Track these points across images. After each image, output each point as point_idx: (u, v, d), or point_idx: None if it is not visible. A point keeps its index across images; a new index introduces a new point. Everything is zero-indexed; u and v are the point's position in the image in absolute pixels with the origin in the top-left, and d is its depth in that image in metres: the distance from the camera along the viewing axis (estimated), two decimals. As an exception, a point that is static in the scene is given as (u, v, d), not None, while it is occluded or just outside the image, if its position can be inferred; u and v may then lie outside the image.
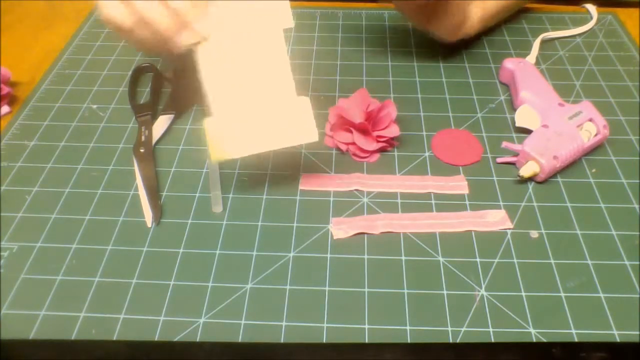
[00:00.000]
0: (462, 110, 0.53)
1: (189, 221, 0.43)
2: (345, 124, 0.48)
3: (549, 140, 0.45)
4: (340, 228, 0.42)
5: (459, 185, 0.45)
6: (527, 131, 0.48)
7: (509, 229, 0.42)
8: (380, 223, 0.42)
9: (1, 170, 0.47)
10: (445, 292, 0.38)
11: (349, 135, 0.48)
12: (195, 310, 0.37)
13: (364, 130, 0.48)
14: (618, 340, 0.35)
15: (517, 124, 0.50)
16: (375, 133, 0.47)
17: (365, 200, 0.44)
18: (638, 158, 0.48)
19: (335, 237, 0.41)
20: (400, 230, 0.42)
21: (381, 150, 0.48)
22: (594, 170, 0.47)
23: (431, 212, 0.43)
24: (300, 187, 0.45)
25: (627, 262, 0.40)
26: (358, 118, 0.46)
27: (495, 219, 0.43)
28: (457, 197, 0.44)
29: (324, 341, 0.35)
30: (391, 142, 0.48)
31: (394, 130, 0.48)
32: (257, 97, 0.41)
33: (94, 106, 0.54)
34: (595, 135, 0.47)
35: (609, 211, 0.43)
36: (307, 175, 0.46)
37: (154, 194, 0.44)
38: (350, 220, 0.43)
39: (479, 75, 0.57)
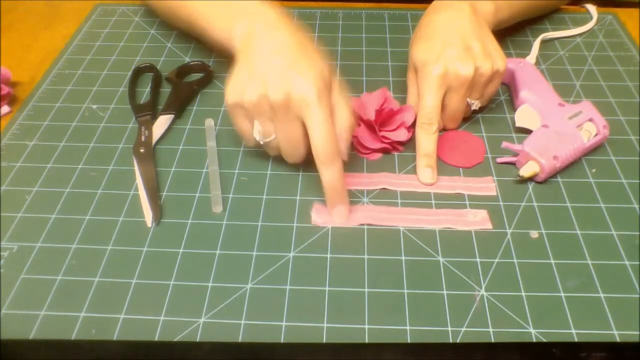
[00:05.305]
0: (462, 110, 0.53)
1: (189, 221, 0.43)
2: (357, 117, 0.48)
3: (549, 140, 0.45)
4: (320, 217, 0.43)
5: (487, 186, 0.45)
6: (527, 131, 0.48)
7: (488, 229, 0.42)
8: (360, 215, 0.43)
9: (1, 170, 0.47)
10: (445, 292, 0.38)
11: (358, 128, 0.48)
12: (195, 310, 0.37)
13: (369, 127, 0.48)
14: (618, 340, 0.35)
15: (517, 124, 0.50)
16: (382, 133, 0.47)
17: (365, 200, 0.44)
18: (638, 158, 0.48)
19: (312, 223, 0.42)
20: (379, 223, 0.42)
21: (384, 150, 0.48)
22: (594, 170, 0.47)
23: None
24: None
25: (627, 262, 0.40)
26: (369, 115, 0.46)
27: (476, 219, 0.42)
28: (457, 198, 0.44)
29: (324, 341, 0.35)
30: (395, 146, 0.48)
31: (401, 135, 0.48)
32: None
33: (94, 106, 0.54)
34: (595, 135, 0.47)
35: (609, 211, 0.43)
36: None
37: (154, 194, 0.44)
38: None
39: (479, 75, 0.57)
